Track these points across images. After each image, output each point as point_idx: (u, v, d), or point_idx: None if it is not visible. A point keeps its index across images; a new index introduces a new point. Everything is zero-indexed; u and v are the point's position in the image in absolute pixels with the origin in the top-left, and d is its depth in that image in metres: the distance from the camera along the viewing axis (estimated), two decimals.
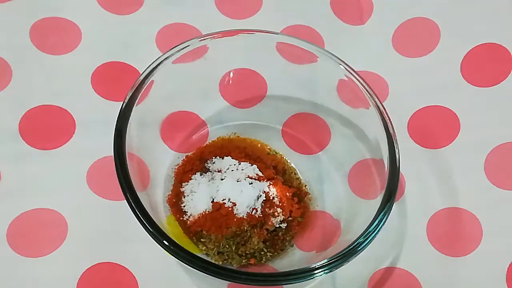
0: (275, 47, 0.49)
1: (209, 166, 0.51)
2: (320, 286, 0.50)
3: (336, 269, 0.40)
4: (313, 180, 0.54)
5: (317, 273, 0.39)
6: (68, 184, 0.51)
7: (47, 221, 0.49)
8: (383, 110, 0.46)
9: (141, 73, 0.45)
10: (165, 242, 0.38)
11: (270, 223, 0.48)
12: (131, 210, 0.39)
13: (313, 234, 0.50)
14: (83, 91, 0.55)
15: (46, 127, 0.53)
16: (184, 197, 0.50)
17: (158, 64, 0.45)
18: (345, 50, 0.52)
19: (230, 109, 0.55)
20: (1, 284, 0.47)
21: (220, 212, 0.47)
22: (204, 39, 0.47)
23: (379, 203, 0.43)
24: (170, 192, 0.51)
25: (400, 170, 0.44)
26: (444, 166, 0.55)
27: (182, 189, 0.50)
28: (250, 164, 0.51)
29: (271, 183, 0.50)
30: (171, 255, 0.38)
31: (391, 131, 0.45)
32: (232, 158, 0.51)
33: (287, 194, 0.50)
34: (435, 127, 0.57)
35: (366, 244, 0.40)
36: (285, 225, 0.49)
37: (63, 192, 0.50)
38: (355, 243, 0.40)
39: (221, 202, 0.48)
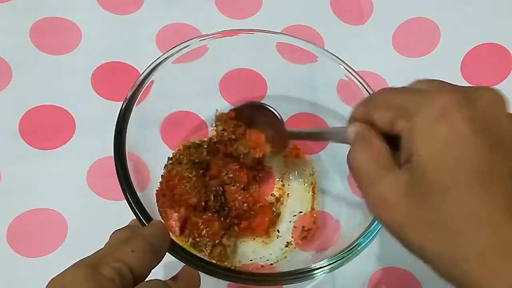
0: (275, 47, 0.49)
1: None
2: (320, 286, 0.50)
3: (336, 269, 0.40)
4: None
5: (317, 273, 0.39)
6: (68, 184, 0.51)
7: (47, 221, 0.49)
8: None
9: (141, 73, 0.45)
10: None
11: None
12: (131, 210, 0.39)
13: (313, 234, 0.50)
14: (83, 91, 0.55)
15: (46, 127, 0.53)
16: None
17: (158, 64, 0.45)
18: (345, 50, 0.52)
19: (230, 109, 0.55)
20: (1, 284, 0.47)
21: None
22: (204, 39, 0.47)
23: None
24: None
25: None
26: None
27: None
28: None
29: None
30: (171, 255, 0.38)
31: None
32: None
33: None
34: None
35: (366, 244, 0.40)
36: None
37: (63, 192, 0.51)
38: (355, 243, 0.40)
39: None
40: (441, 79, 0.30)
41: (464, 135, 0.25)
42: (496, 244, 0.24)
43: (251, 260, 0.48)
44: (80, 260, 0.31)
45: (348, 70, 0.48)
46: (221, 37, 0.47)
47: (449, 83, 0.29)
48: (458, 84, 0.29)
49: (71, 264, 0.30)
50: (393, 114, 0.28)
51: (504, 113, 0.26)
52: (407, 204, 0.26)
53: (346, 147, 0.52)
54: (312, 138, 0.49)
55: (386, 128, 0.29)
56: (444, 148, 0.25)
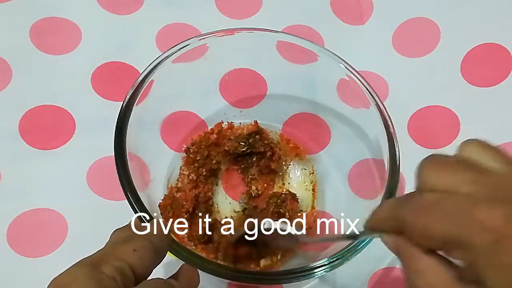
0: (275, 46, 0.49)
1: None
2: (320, 285, 0.50)
3: (336, 268, 0.40)
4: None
5: (317, 271, 0.39)
6: (68, 184, 0.51)
7: (47, 221, 0.49)
8: (384, 110, 0.46)
9: (140, 72, 0.45)
10: None
11: None
12: (131, 209, 0.39)
13: (313, 233, 0.50)
14: (83, 91, 0.55)
15: (46, 127, 0.53)
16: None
17: (158, 63, 0.45)
18: (345, 50, 0.52)
19: (230, 108, 0.55)
20: (1, 284, 0.47)
21: None
22: (204, 38, 0.47)
23: (379, 203, 0.42)
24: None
25: (400, 170, 0.44)
26: None
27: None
28: None
29: None
30: (171, 254, 0.38)
31: (391, 130, 0.45)
32: None
33: None
34: (435, 127, 0.57)
35: (366, 243, 0.40)
36: None
37: (63, 192, 0.50)
38: (355, 242, 0.40)
39: None
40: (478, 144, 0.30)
41: None
42: None
43: None
44: (82, 259, 0.31)
45: (348, 69, 0.48)
46: (221, 36, 0.47)
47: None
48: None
49: (73, 264, 0.30)
50: (441, 245, 0.26)
51: None
52: None
53: (347, 147, 0.53)
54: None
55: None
56: None
